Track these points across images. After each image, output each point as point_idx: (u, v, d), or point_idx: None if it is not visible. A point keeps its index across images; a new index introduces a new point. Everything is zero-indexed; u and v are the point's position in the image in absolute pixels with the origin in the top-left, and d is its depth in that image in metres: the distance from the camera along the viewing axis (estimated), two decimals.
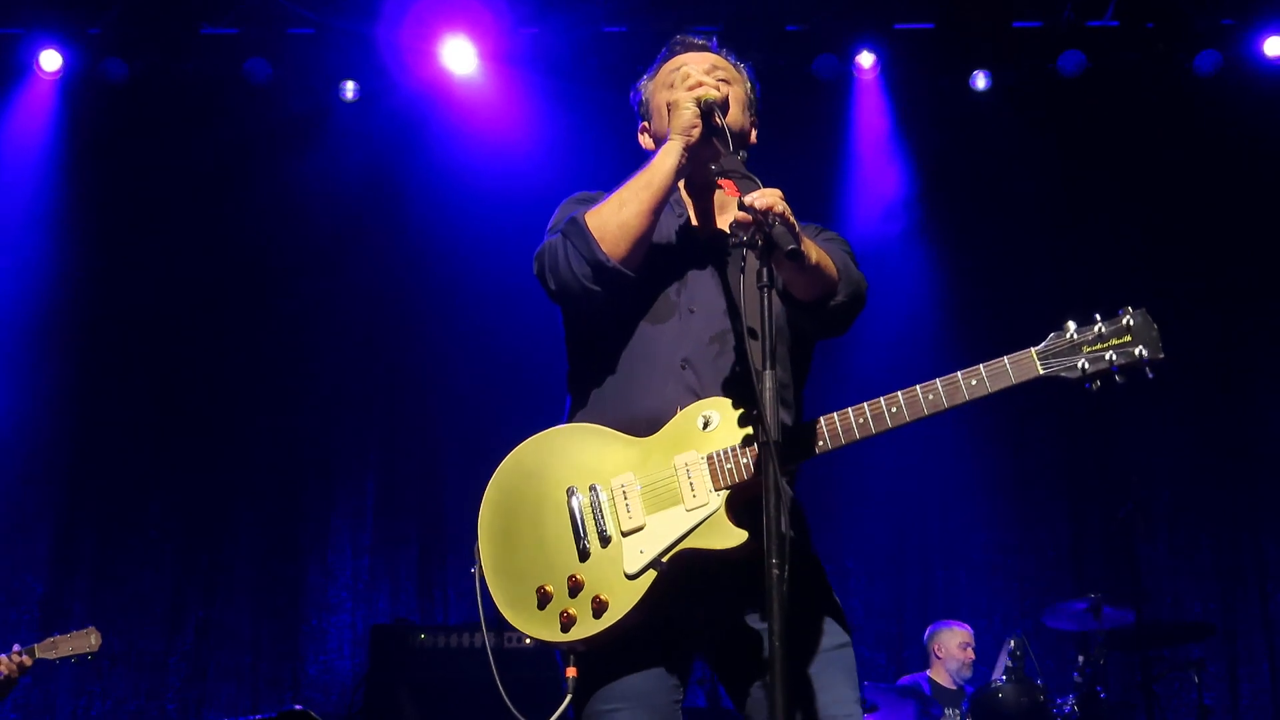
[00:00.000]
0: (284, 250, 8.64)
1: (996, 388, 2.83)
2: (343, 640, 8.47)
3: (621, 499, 2.94)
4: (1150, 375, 2.80)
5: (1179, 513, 8.65)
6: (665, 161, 3.06)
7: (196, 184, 8.57)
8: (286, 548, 8.59)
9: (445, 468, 8.35)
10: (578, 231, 3.04)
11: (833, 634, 3.02)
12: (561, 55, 8.43)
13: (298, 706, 4.66)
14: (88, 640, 5.77)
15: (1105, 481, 8.69)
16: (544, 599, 2.91)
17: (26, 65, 8.32)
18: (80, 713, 8.16)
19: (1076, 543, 8.68)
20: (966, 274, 8.86)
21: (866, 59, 8.45)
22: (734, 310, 3.08)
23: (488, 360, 8.44)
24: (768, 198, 2.75)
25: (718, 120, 3.05)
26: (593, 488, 2.96)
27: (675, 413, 3.00)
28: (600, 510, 2.94)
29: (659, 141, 3.15)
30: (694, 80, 3.14)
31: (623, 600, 2.87)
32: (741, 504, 2.88)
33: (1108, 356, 2.80)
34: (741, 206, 2.76)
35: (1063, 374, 2.82)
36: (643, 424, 3.01)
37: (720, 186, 3.16)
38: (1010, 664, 7.10)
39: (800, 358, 3.22)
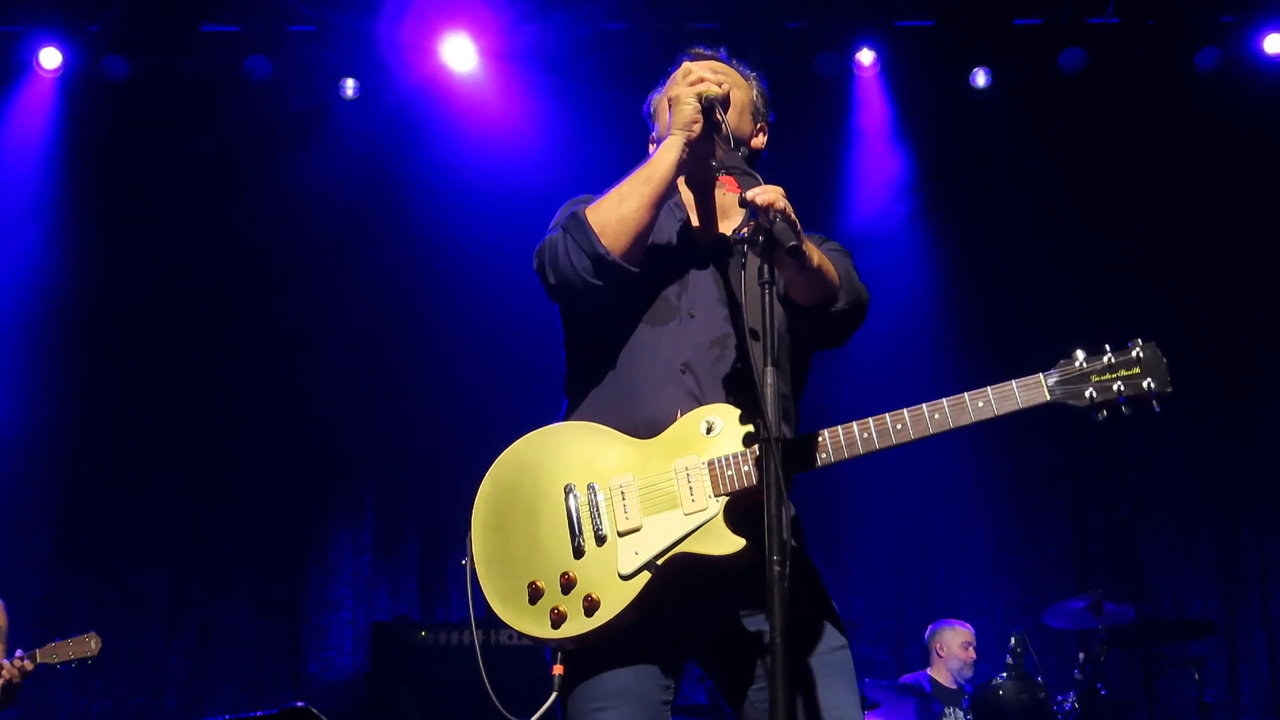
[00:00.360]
0: (284, 247, 8.64)
1: (1003, 411, 2.84)
2: (344, 638, 8.47)
3: (619, 499, 2.93)
4: (1157, 409, 2.82)
5: (1180, 510, 8.65)
6: (666, 156, 3.06)
7: (197, 182, 8.58)
8: (287, 545, 8.59)
9: (446, 465, 8.34)
10: (578, 226, 3.04)
11: (830, 637, 3.02)
12: (562, 53, 8.43)
13: (299, 704, 4.65)
14: (88, 645, 5.88)
15: (1106, 479, 8.70)
16: (535, 594, 2.91)
17: (26, 63, 8.32)
18: (81, 711, 8.17)
19: (1077, 540, 8.69)
20: (967, 272, 8.86)
21: (867, 57, 8.45)
22: (735, 313, 3.08)
23: (489, 357, 8.44)
24: (769, 194, 2.75)
25: (719, 116, 3.05)
26: (591, 486, 2.96)
27: (675, 417, 2.99)
28: (597, 509, 2.93)
29: (662, 137, 3.14)
30: (695, 76, 3.14)
31: (615, 600, 2.86)
32: (741, 512, 2.87)
33: (1115, 387, 2.82)
34: (743, 202, 2.76)
35: (1069, 402, 2.83)
36: (642, 427, 3.01)
37: (721, 183, 3.16)
38: (1011, 661, 7.10)
39: (799, 369, 3.21)
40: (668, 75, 3.32)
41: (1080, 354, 2.86)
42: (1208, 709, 7.38)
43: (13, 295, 8.46)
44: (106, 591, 8.31)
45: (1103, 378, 2.83)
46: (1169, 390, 2.81)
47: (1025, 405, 2.84)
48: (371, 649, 7.59)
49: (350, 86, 8.53)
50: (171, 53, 8.34)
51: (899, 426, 2.85)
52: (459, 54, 8.34)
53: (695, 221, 3.26)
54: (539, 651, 3.03)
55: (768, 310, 2.67)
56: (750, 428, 2.90)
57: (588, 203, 3.14)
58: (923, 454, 8.41)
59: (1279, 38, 8.26)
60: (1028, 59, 8.51)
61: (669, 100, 3.13)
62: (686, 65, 3.25)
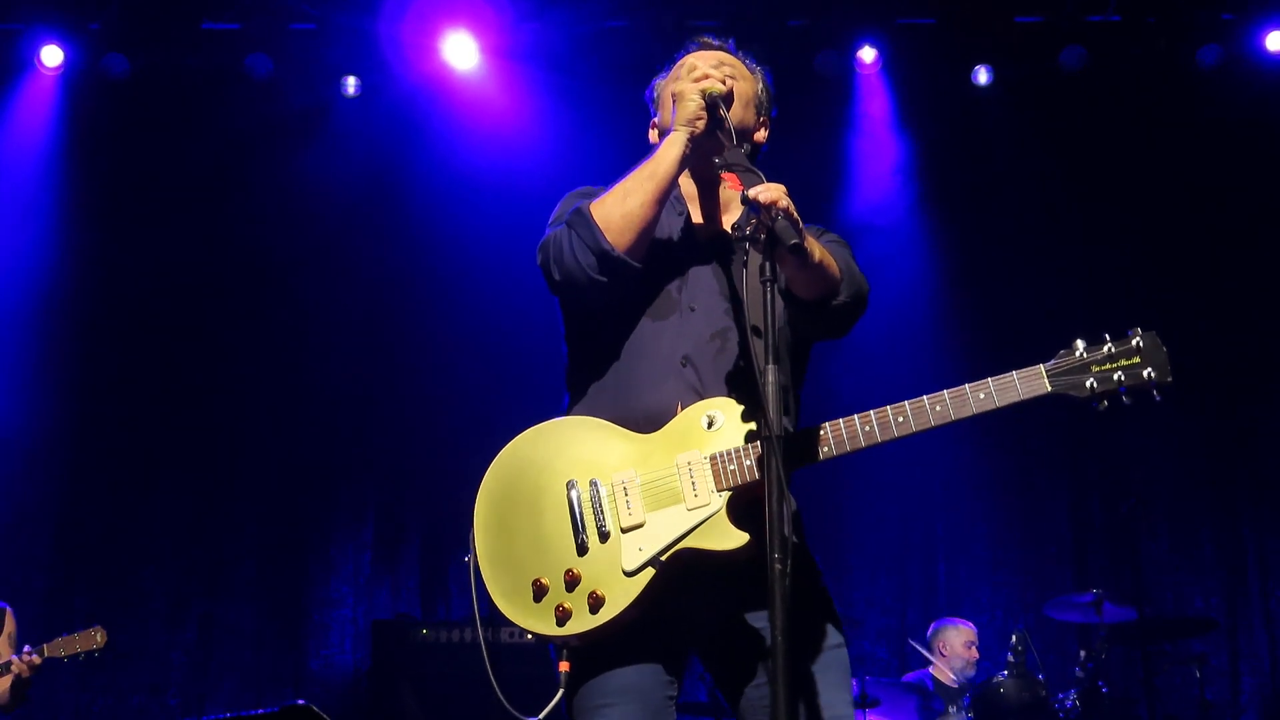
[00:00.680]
0: (285, 245, 8.63)
1: (1004, 403, 2.84)
2: (344, 635, 8.48)
3: (622, 495, 2.93)
4: (1158, 398, 2.82)
5: (1181, 508, 8.65)
6: (669, 152, 3.06)
7: (198, 180, 8.58)
8: (288, 543, 8.60)
9: (447, 462, 8.33)
10: (582, 222, 3.04)
11: (828, 635, 3.02)
12: (563, 50, 8.43)
13: (300, 701, 4.66)
14: (94, 638, 5.98)
15: (1107, 476, 8.71)
16: (540, 592, 2.90)
17: (28, 61, 8.31)
18: (83, 708, 8.17)
19: (1078, 538, 8.69)
20: (968, 267, 8.86)
21: (868, 54, 8.44)
22: (736, 308, 3.08)
23: (490, 353, 8.44)
24: (771, 192, 2.75)
25: (722, 113, 3.05)
26: (593, 482, 2.96)
27: (675, 411, 2.99)
28: (600, 505, 2.93)
29: (665, 134, 3.14)
30: (700, 72, 3.14)
31: (619, 597, 2.86)
32: (743, 506, 2.87)
33: (1116, 377, 2.82)
34: (744, 200, 2.76)
35: (1070, 392, 2.84)
36: (643, 421, 3.00)
37: (723, 179, 3.16)
38: (1012, 659, 7.10)
39: (799, 361, 3.22)
40: (674, 62, 3.32)
41: (1080, 344, 2.86)
42: (1209, 707, 7.38)
43: (14, 293, 8.46)
44: (108, 589, 8.31)
45: (1103, 368, 2.83)
46: (1169, 379, 2.81)
47: (1026, 396, 2.84)
48: (372, 647, 7.60)
49: (351, 84, 8.53)
50: (172, 51, 8.34)
51: (900, 419, 2.85)
52: (460, 52, 8.34)
53: (697, 216, 3.26)
54: (540, 649, 3.03)
55: (769, 308, 2.67)
56: (751, 423, 2.90)
57: (589, 195, 3.14)
58: (924, 451, 8.41)
59: None
60: (1029, 56, 8.50)
61: (673, 95, 3.13)
62: (691, 60, 3.24)
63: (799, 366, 3.21)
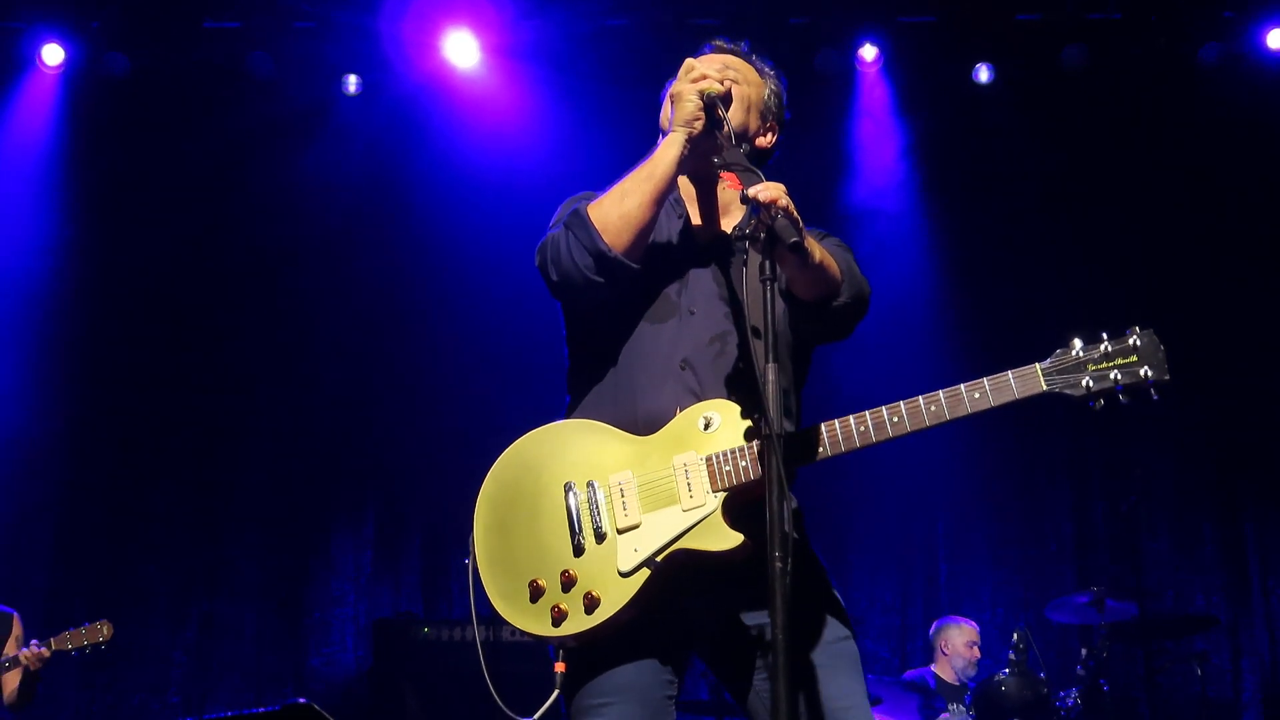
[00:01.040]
0: (286, 244, 8.64)
1: (999, 402, 2.83)
2: (345, 633, 8.48)
3: (619, 496, 2.93)
4: (1155, 397, 2.80)
5: (1182, 505, 8.65)
6: (667, 152, 3.05)
7: (199, 179, 8.58)
8: (289, 541, 8.60)
9: (447, 461, 8.34)
10: (580, 223, 3.04)
11: (834, 628, 3.02)
12: (564, 49, 8.43)
13: (301, 700, 4.66)
14: (100, 631, 6.12)
15: (1108, 474, 8.70)
16: (536, 593, 2.91)
17: (29, 59, 8.32)
18: (84, 706, 8.18)
19: (1079, 536, 8.69)
20: (968, 265, 8.86)
21: (869, 52, 8.44)
22: (735, 311, 3.08)
23: (491, 353, 8.44)
24: (771, 191, 2.75)
25: (720, 113, 3.04)
26: (590, 484, 2.96)
27: (674, 413, 2.99)
28: (597, 507, 2.94)
29: (665, 133, 3.14)
30: (698, 73, 3.13)
31: (615, 597, 2.87)
32: (739, 507, 2.87)
33: (1112, 376, 2.81)
34: (744, 199, 2.75)
35: (1066, 391, 2.82)
36: (642, 424, 3.01)
37: (722, 180, 3.15)
38: (1013, 657, 7.09)
39: (800, 364, 3.21)
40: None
41: (1077, 343, 2.85)
42: (1210, 704, 7.38)
43: (15, 292, 8.47)
44: (109, 587, 8.31)
45: (1099, 367, 2.82)
46: (1167, 378, 2.79)
47: (1021, 396, 2.83)
48: (373, 645, 7.60)
49: (352, 83, 8.54)
50: (173, 49, 8.34)
51: (895, 419, 2.85)
52: (461, 50, 8.34)
53: (696, 218, 3.26)
54: (540, 648, 3.04)
55: (769, 307, 2.66)
56: (749, 423, 2.90)
57: (588, 199, 3.14)
58: (925, 449, 8.41)
59: None
60: (1030, 54, 8.50)
61: (670, 96, 3.13)
62: (690, 61, 3.24)
63: (800, 370, 3.21)
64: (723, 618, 3.01)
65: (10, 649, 6.26)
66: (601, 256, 3.01)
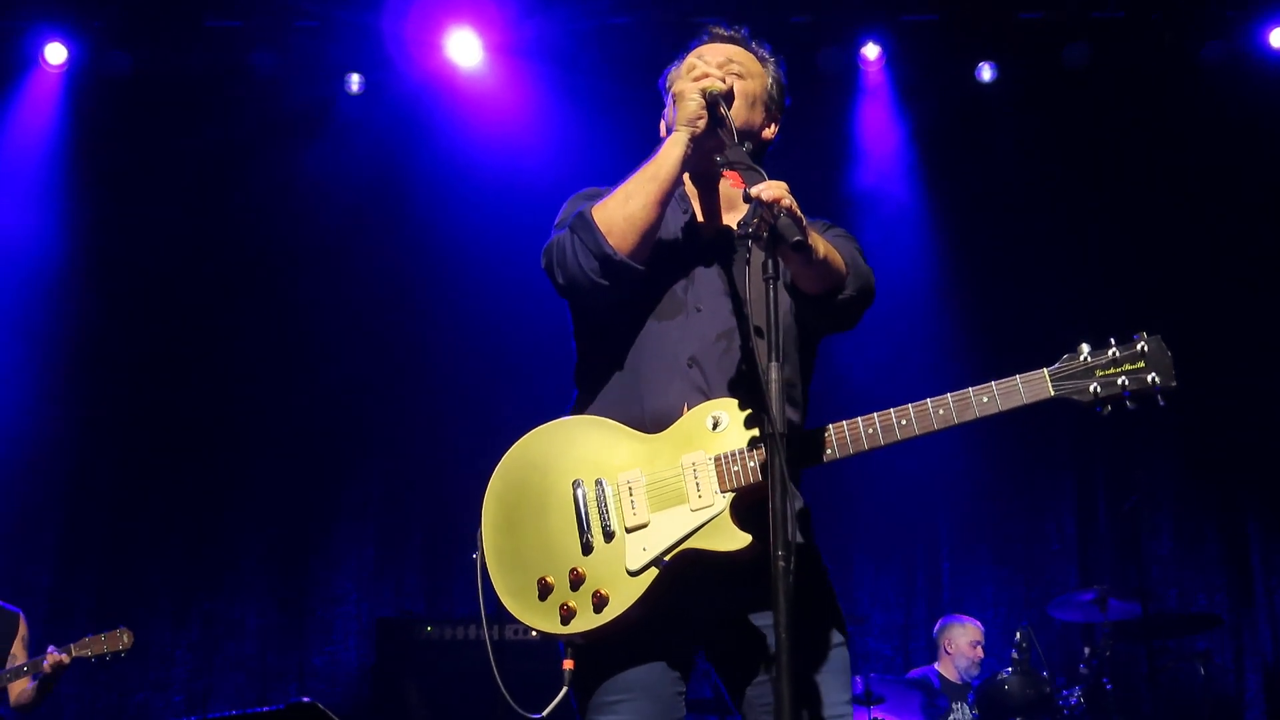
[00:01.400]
0: (289, 242, 8.64)
1: (1007, 406, 2.84)
2: (348, 632, 8.48)
3: (627, 495, 2.94)
4: (1162, 403, 2.81)
5: (1185, 504, 8.65)
6: (671, 153, 3.05)
7: (201, 178, 8.58)
8: (292, 539, 8.60)
9: (451, 459, 8.35)
10: (585, 226, 3.03)
11: (831, 634, 3.03)
12: (566, 47, 8.43)
13: (304, 699, 4.67)
14: (121, 639, 6.06)
15: (1111, 473, 8.70)
16: (545, 590, 2.92)
17: (31, 58, 8.32)
18: (87, 704, 8.18)
19: (1082, 534, 8.69)
20: (972, 264, 8.85)
21: (872, 51, 8.44)
22: (741, 307, 3.08)
23: (493, 350, 8.45)
24: (773, 189, 2.74)
25: (723, 112, 3.04)
26: (599, 482, 2.96)
27: (681, 411, 2.99)
28: (605, 505, 2.94)
29: (668, 132, 3.14)
30: (700, 71, 3.13)
31: (623, 596, 2.87)
32: (747, 507, 2.87)
33: (1120, 381, 2.81)
34: (747, 198, 2.75)
35: (1074, 396, 2.83)
36: (649, 421, 3.01)
37: (726, 178, 3.15)
38: (1016, 656, 7.09)
39: (806, 355, 3.22)
40: (688, 51, 3.31)
41: (1085, 348, 2.86)
42: (1213, 703, 7.37)
43: (18, 290, 8.47)
44: (112, 585, 8.32)
45: (1107, 372, 2.82)
46: (1174, 384, 2.81)
47: (1029, 400, 2.84)
48: (376, 643, 7.60)
49: (355, 81, 8.53)
50: (176, 48, 8.34)
51: (904, 422, 2.86)
52: (463, 48, 8.34)
53: (700, 216, 3.26)
54: (546, 646, 3.04)
55: (772, 305, 2.66)
56: (756, 424, 2.90)
57: (593, 197, 3.14)
58: (928, 448, 8.40)
59: None
60: (1033, 53, 8.50)
61: (673, 95, 3.13)
62: (691, 60, 3.24)
63: (807, 361, 3.22)
64: (727, 618, 3.01)
65: (17, 648, 6.27)
66: (607, 259, 3.00)
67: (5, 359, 8.38)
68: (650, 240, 3.05)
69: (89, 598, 8.27)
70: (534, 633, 2.95)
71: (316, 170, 8.58)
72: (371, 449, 8.76)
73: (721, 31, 3.35)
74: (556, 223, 3.20)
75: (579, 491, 2.96)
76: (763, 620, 2.95)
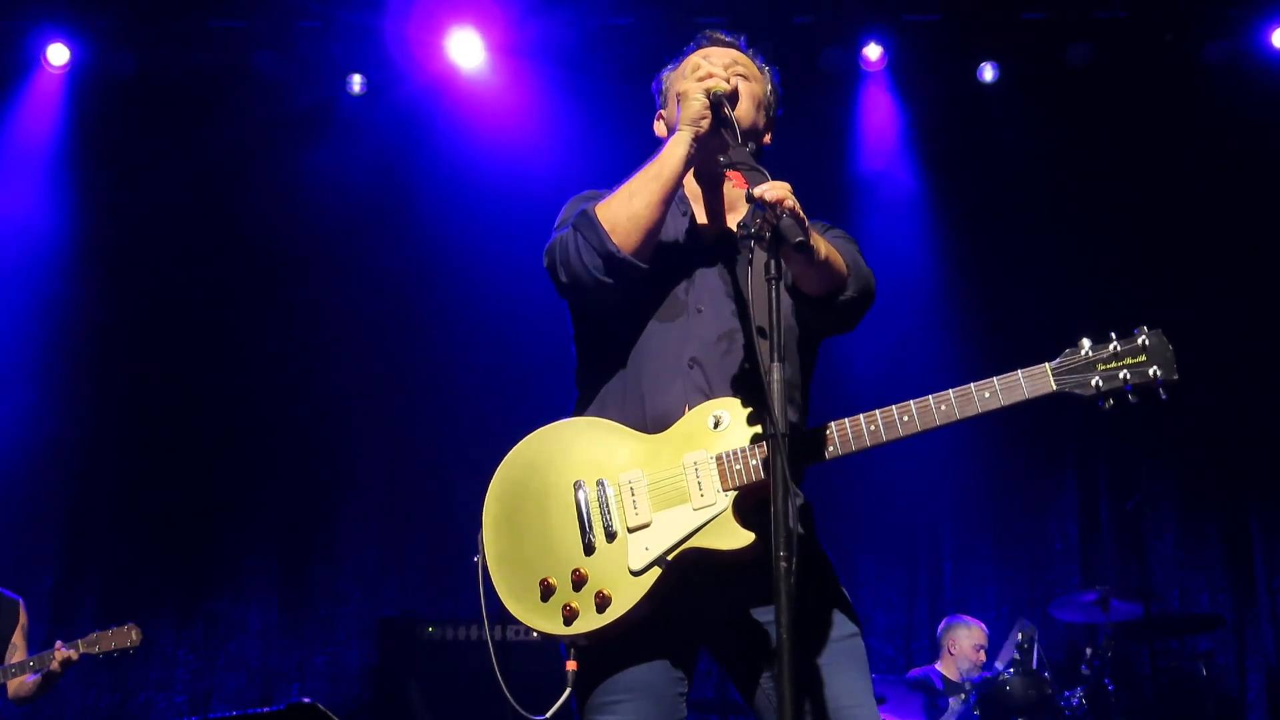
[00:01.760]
0: (292, 243, 8.64)
1: (1009, 401, 2.85)
2: (350, 632, 8.49)
3: (629, 495, 2.94)
4: (1164, 397, 2.81)
5: (1187, 504, 8.64)
6: (674, 152, 3.06)
7: (203, 178, 8.58)
8: (294, 539, 8.61)
9: (453, 459, 8.35)
10: (588, 224, 3.04)
11: (841, 625, 3.03)
12: (568, 48, 8.43)
13: (306, 699, 4.68)
14: (129, 636, 5.99)
15: (1114, 473, 8.69)
16: (547, 591, 2.92)
17: (34, 59, 8.33)
18: (90, 704, 8.19)
19: (1084, 535, 8.68)
20: (974, 264, 8.85)
21: (874, 51, 8.43)
22: (742, 308, 3.08)
23: (496, 351, 8.45)
24: (776, 190, 2.75)
25: (726, 112, 3.04)
26: (600, 483, 2.97)
27: (682, 412, 3.00)
28: (607, 505, 2.94)
29: (671, 131, 3.14)
30: (705, 71, 3.13)
31: (626, 596, 2.87)
32: (749, 506, 2.88)
33: (1122, 375, 2.82)
34: (749, 198, 2.75)
35: (1076, 391, 2.84)
36: (651, 422, 3.02)
37: (728, 178, 3.15)
38: (1018, 656, 7.09)
39: (807, 356, 3.22)
40: (684, 55, 3.32)
41: (1086, 342, 2.86)
42: (1215, 703, 7.37)
43: (22, 292, 8.47)
44: (115, 585, 8.32)
45: (1108, 366, 2.83)
46: (1176, 378, 2.81)
47: (1031, 395, 2.84)
48: (379, 643, 7.61)
49: (357, 82, 8.54)
50: (179, 49, 8.34)
51: (905, 419, 2.86)
52: (466, 49, 8.35)
53: (702, 216, 3.27)
54: (548, 647, 3.05)
55: (774, 306, 2.67)
56: (758, 423, 2.91)
57: (594, 199, 3.15)
58: (930, 448, 8.40)
59: None
60: (1035, 53, 8.49)
61: (677, 95, 3.13)
62: (695, 60, 3.24)
63: (807, 362, 3.22)
64: (733, 616, 3.01)
65: (17, 637, 6.26)
66: (610, 257, 3.01)
67: (9, 359, 8.38)
68: (653, 238, 3.05)
69: (92, 598, 8.27)
70: (536, 634, 2.96)
71: (319, 170, 8.58)
72: (374, 450, 8.77)
73: (721, 37, 3.36)
74: (556, 224, 3.21)
75: (580, 492, 2.96)
76: (766, 616, 2.95)
